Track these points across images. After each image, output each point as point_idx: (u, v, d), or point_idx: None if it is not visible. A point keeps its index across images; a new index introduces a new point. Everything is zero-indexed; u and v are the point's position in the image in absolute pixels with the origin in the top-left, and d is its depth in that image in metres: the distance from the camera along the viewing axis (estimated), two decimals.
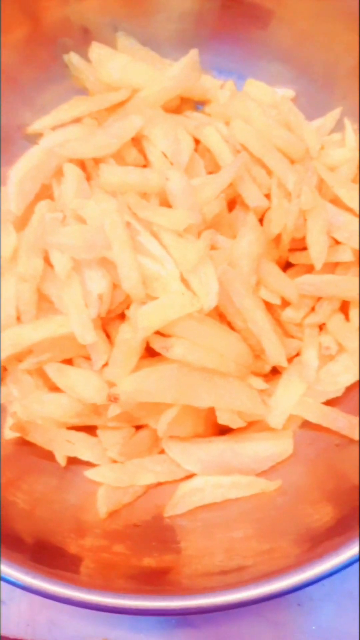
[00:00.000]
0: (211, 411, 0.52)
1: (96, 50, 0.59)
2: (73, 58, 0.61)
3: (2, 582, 0.41)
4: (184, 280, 0.49)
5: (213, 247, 0.51)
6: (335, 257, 0.53)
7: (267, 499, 0.51)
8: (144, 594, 0.41)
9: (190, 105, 0.63)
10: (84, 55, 0.61)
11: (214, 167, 0.58)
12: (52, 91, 0.63)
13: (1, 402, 0.55)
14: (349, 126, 0.60)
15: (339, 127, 0.62)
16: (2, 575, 0.41)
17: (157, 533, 0.49)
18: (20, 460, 0.53)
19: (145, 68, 0.59)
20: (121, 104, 0.59)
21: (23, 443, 0.53)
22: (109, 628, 0.54)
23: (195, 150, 0.58)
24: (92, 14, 0.61)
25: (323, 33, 0.59)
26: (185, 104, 0.63)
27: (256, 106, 0.57)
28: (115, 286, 0.51)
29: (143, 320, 0.47)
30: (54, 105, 0.62)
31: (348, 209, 0.54)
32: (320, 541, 0.43)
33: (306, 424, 0.54)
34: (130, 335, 0.48)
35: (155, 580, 0.44)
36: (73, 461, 0.53)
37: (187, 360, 0.49)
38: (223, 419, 0.50)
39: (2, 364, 0.53)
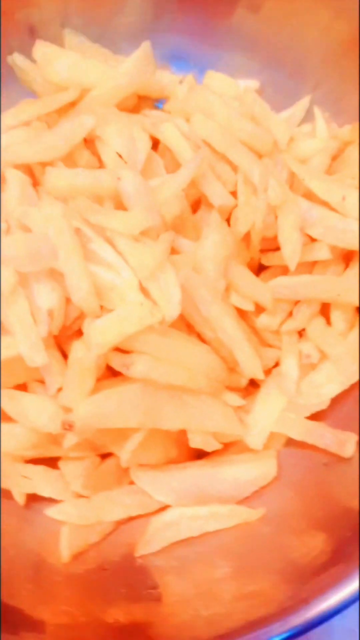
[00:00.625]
0: (184, 433, 0.46)
1: (41, 48, 0.55)
2: (17, 59, 0.56)
3: None
4: (144, 290, 0.44)
5: (174, 251, 0.47)
6: (312, 256, 0.48)
7: (249, 530, 0.45)
8: None
9: (149, 104, 0.59)
10: (31, 57, 0.57)
11: (175, 167, 0.53)
12: (2, 96, 0.59)
13: None
14: (319, 115, 0.55)
15: (309, 117, 0.57)
16: None
17: (128, 576, 0.43)
18: None
19: (95, 65, 0.54)
20: (72, 104, 0.55)
21: None
22: None
23: (155, 150, 0.53)
24: (37, 9, 0.56)
25: (295, 19, 0.55)
26: (143, 102, 0.58)
27: (217, 98, 0.52)
28: (68, 300, 0.46)
29: (97, 336, 0.42)
30: (2, 110, 0.58)
31: (322, 203, 0.49)
32: (309, 578, 0.37)
33: (290, 442, 0.49)
34: (83, 354, 0.43)
35: (132, 636, 0.38)
36: (33, 499, 0.48)
37: (151, 378, 0.43)
38: (195, 442, 0.45)
39: None
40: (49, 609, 0.41)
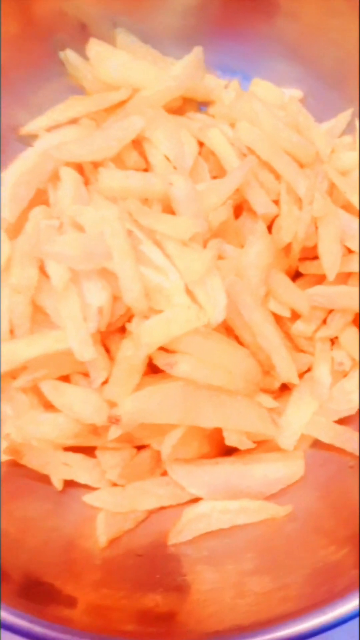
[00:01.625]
0: (217, 430, 0.48)
1: (94, 47, 0.56)
2: (70, 55, 0.57)
3: None
4: (189, 293, 0.46)
5: (220, 257, 0.48)
6: (348, 267, 0.50)
7: (276, 526, 0.48)
8: (149, 637, 0.38)
9: (193, 106, 0.60)
10: (82, 53, 0.58)
11: (218, 172, 0.55)
12: (47, 90, 0.60)
13: None
14: None
15: (349, 129, 0.59)
16: None
17: (161, 564, 0.46)
18: (12, 484, 0.50)
19: (146, 66, 0.56)
20: (120, 104, 0.56)
21: (16, 464, 0.50)
22: None
23: (199, 153, 0.55)
24: (90, 8, 0.57)
25: (333, 29, 0.56)
26: (187, 104, 0.60)
27: (263, 107, 0.54)
28: (115, 298, 0.47)
29: (146, 336, 0.44)
30: (50, 105, 0.59)
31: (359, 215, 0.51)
32: (336, 577, 0.40)
33: (317, 444, 0.51)
34: (132, 352, 0.45)
35: (161, 622, 0.41)
36: (70, 484, 0.50)
37: (193, 378, 0.46)
38: (231, 440, 0.47)
39: None
40: (84, 588, 0.43)
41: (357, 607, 0.37)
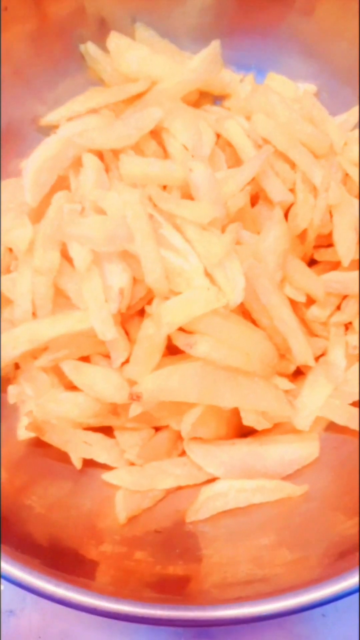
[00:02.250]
0: (233, 412, 0.50)
1: (115, 40, 0.58)
2: (90, 48, 0.59)
3: (12, 590, 0.39)
4: (208, 275, 0.48)
5: (237, 242, 0.50)
6: None
7: (292, 505, 0.49)
8: (164, 603, 0.38)
9: (209, 100, 0.62)
10: (101, 46, 0.59)
11: (234, 162, 0.56)
12: (66, 84, 0.61)
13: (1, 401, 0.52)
14: None
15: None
16: (14, 579, 0.38)
17: (180, 540, 0.47)
18: (33, 463, 0.51)
19: (164, 60, 0.57)
20: (139, 96, 0.58)
21: (36, 445, 0.51)
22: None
23: (216, 144, 0.56)
24: (109, 4, 0.59)
25: (348, 28, 0.58)
26: (203, 98, 0.61)
27: (279, 100, 0.55)
28: (135, 281, 0.49)
29: (167, 316, 0.45)
30: (68, 98, 0.60)
31: None
32: (350, 551, 0.41)
33: (331, 427, 0.52)
34: (153, 331, 0.46)
35: (176, 589, 0.42)
36: (88, 464, 0.51)
37: (212, 358, 0.47)
38: (248, 420, 0.48)
39: (16, 360, 0.50)
40: (106, 559, 0.44)
41: None
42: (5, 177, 0.58)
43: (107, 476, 0.49)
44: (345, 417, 0.50)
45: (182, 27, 0.62)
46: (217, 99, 0.63)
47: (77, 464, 0.50)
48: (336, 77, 0.61)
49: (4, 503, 0.46)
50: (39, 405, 0.48)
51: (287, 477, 0.50)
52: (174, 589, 0.41)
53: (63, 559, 0.41)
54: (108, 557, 0.44)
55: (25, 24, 0.58)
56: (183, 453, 0.51)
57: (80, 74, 0.62)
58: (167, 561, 0.44)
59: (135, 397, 0.45)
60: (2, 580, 0.46)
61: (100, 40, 0.59)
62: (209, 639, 0.51)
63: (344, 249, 0.50)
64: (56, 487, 0.49)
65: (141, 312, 0.51)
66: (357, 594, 0.38)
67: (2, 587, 0.52)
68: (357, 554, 0.40)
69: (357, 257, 0.53)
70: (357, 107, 0.60)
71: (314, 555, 0.42)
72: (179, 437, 0.51)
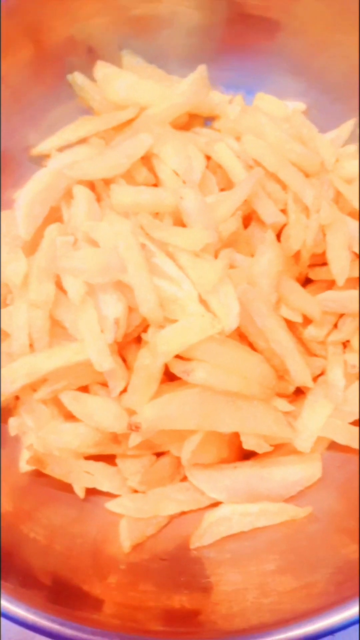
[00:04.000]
0: (234, 435, 0.50)
1: (102, 69, 0.58)
2: (78, 78, 0.60)
3: (17, 627, 0.39)
4: (203, 302, 0.48)
5: (231, 266, 0.50)
6: (357, 272, 0.52)
7: (297, 527, 0.48)
8: (170, 637, 0.39)
9: (199, 122, 0.62)
10: (89, 75, 0.60)
11: (226, 184, 0.56)
12: (57, 112, 0.62)
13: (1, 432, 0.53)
14: None
15: (352, 138, 0.60)
16: (18, 618, 0.38)
17: (185, 567, 0.47)
18: (36, 493, 0.51)
19: (152, 85, 0.58)
20: (128, 122, 0.58)
21: (39, 474, 0.51)
22: None
23: (206, 167, 0.56)
24: (97, 32, 0.60)
25: (334, 43, 0.58)
26: (193, 120, 0.62)
27: (268, 120, 0.55)
28: (130, 309, 0.49)
29: (162, 345, 0.45)
30: (60, 125, 0.61)
31: None
32: (355, 577, 0.41)
33: (333, 446, 0.52)
34: (149, 361, 0.46)
35: (182, 621, 0.42)
36: (92, 492, 0.51)
37: (209, 384, 0.47)
38: (249, 444, 0.48)
39: (15, 393, 0.51)
40: (111, 591, 0.44)
41: None
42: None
43: (110, 505, 0.49)
44: (346, 436, 0.50)
45: (170, 49, 0.63)
46: (207, 120, 0.63)
47: (80, 493, 0.51)
48: (325, 93, 0.61)
49: (6, 536, 0.46)
50: (40, 438, 0.49)
51: (291, 499, 0.50)
52: (179, 621, 0.41)
53: (67, 594, 0.42)
54: (113, 589, 0.44)
55: (19, 52, 0.59)
56: (185, 478, 0.51)
57: (72, 101, 0.62)
58: (172, 591, 0.44)
59: (135, 427, 0.45)
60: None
61: (89, 68, 0.60)
62: None
63: (338, 268, 0.50)
64: (60, 516, 0.50)
65: (138, 339, 0.51)
66: None
67: (2, 622, 0.52)
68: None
69: (354, 275, 0.53)
70: (349, 122, 0.60)
71: (319, 582, 0.42)
72: (180, 462, 0.51)
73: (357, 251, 0.52)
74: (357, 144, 0.59)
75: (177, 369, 0.47)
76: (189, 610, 0.42)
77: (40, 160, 0.60)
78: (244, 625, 0.39)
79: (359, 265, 0.51)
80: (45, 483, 0.51)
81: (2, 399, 0.50)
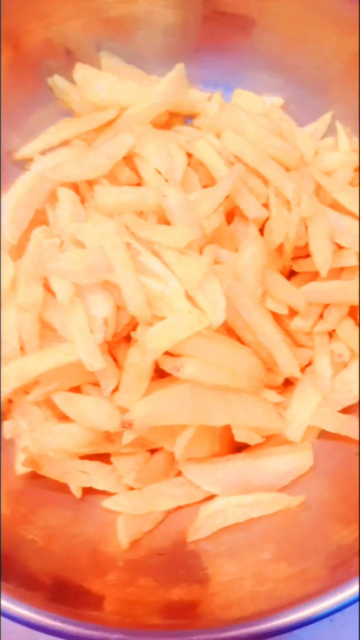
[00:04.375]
0: (226, 429, 0.50)
1: (81, 71, 0.58)
2: (57, 80, 0.60)
3: (23, 628, 0.39)
4: (190, 298, 0.48)
5: (216, 262, 0.50)
6: (340, 263, 0.53)
7: (291, 516, 0.49)
8: (171, 629, 0.39)
9: (179, 120, 0.63)
10: (69, 77, 0.60)
11: (208, 181, 0.57)
12: (38, 115, 0.62)
13: (1, 435, 0.53)
14: (341, 130, 0.59)
15: (330, 131, 0.61)
16: (20, 618, 0.39)
17: (182, 560, 0.47)
18: (32, 495, 0.52)
19: (131, 86, 0.58)
20: (109, 123, 0.59)
21: (34, 477, 0.51)
22: None
23: (188, 164, 0.57)
24: (74, 34, 0.60)
25: (309, 38, 0.59)
26: (174, 118, 0.62)
27: (247, 116, 0.56)
28: (119, 308, 0.50)
29: (152, 342, 0.46)
30: (42, 129, 0.61)
31: (349, 213, 0.53)
32: (351, 558, 0.42)
33: (323, 435, 0.53)
34: (139, 359, 0.47)
35: (181, 613, 0.42)
36: (88, 491, 0.52)
37: (199, 379, 0.47)
38: (240, 437, 0.49)
39: (8, 397, 0.51)
40: (110, 588, 0.45)
41: None
42: None
43: (107, 503, 0.50)
44: (335, 424, 0.51)
45: (147, 49, 0.63)
46: (187, 118, 0.63)
47: (77, 493, 0.51)
48: (302, 88, 0.62)
49: (5, 539, 0.46)
50: (34, 440, 0.49)
51: (284, 489, 0.51)
52: (179, 613, 0.42)
53: (67, 593, 0.42)
54: (112, 586, 0.44)
55: None
56: (180, 473, 0.52)
57: (52, 104, 0.63)
58: (170, 584, 0.44)
59: (127, 425, 0.46)
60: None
61: (68, 70, 0.60)
62: None
63: (320, 260, 0.51)
64: (57, 518, 0.50)
65: (127, 338, 0.52)
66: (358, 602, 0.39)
67: (5, 625, 0.53)
68: (357, 561, 0.41)
69: (339, 266, 0.53)
70: (326, 115, 0.61)
71: (313, 568, 0.43)
72: (174, 457, 0.51)
73: (340, 242, 0.52)
74: (335, 136, 0.60)
75: (167, 365, 0.48)
76: (188, 602, 0.43)
77: (23, 164, 0.60)
78: (242, 613, 0.39)
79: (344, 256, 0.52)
80: (41, 485, 0.51)
81: None
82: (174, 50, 0.63)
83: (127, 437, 0.48)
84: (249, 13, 0.60)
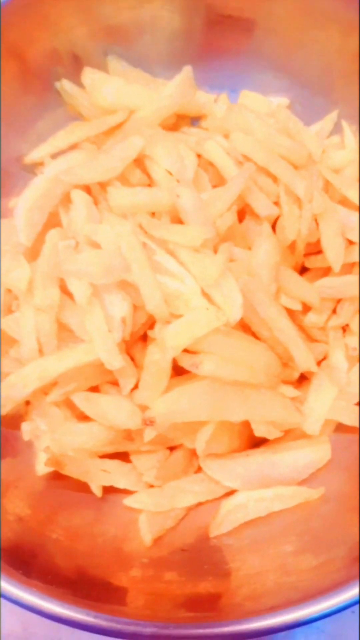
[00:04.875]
0: (244, 424, 0.51)
1: (89, 75, 0.59)
2: (65, 85, 0.61)
3: (45, 625, 0.39)
4: (206, 295, 0.49)
5: (230, 260, 0.51)
6: (351, 258, 0.53)
7: (311, 509, 0.50)
8: (199, 621, 0.40)
9: (186, 122, 0.63)
10: (76, 82, 0.61)
11: (218, 181, 0.58)
12: (46, 120, 0.63)
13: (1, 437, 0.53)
14: (347, 128, 0.60)
15: (335, 129, 0.62)
16: (51, 613, 0.39)
17: (207, 556, 0.48)
18: (53, 496, 0.52)
19: (140, 89, 0.59)
20: (118, 126, 0.59)
21: (54, 478, 0.52)
22: None
23: (198, 165, 0.58)
24: (81, 41, 0.61)
25: (312, 39, 0.60)
26: (181, 120, 0.63)
27: (255, 116, 0.57)
28: (135, 308, 0.50)
29: (171, 340, 0.46)
30: (50, 134, 0.62)
31: (358, 209, 0.54)
32: None
33: (340, 428, 0.54)
34: (159, 356, 0.47)
35: (210, 606, 0.43)
36: (108, 490, 0.52)
37: (218, 375, 0.48)
38: (260, 431, 0.50)
39: (27, 398, 0.51)
40: (136, 583, 0.45)
41: None
42: None
43: (128, 501, 0.50)
44: (352, 417, 0.51)
45: (153, 54, 0.64)
46: (194, 120, 0.64)
47: (98, 492, 0.51)
48: (307, 88, 0.63)
49: (29, 538, 0.47)
50: (55, 440, 0.50)
51: (303, 482, 0.51)
52: (207, 606, 0.42)
53: (94, 589, 0.42)
54: (138, 582, 0.45)
55: (4, 67, 0.59)
56: (199, 469, 0.52)
57: (60, 109, 0.63)
58: (197, 579, 0.45)
59: (149, 422, 0.46)
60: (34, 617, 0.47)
61: (75, 75, 0.61)
62: None
63: (333, 255, 0.52)
64: (79, 517, 0.50)
65: (144, 337, 0.53)
66: None
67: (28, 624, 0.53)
68: None
69: (350, 261, 0.54)
70: (332, 114, 0.62)
71: (338, 557, 0.43)
72: (193, 454, 0.52)
73: (351, 238, 0.53)
74: (341, 135, 0.61)
75: (185, 362, 0.48)
76: (215, 595, 0.43)
77: (32, 168, 0.61)
78: (271, 603, 0.40)
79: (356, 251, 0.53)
80: (62, 486, 0.52)
81: (14, 403, 0.50)
82: (179, 54, 0.64)
83: (149, 434, 0.48)
84: (250, 15, 0.61)
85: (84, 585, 0.44)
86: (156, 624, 0.38)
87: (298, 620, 0.38)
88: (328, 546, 0.46)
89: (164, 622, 0.39)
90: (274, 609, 0.39)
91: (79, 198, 0.52)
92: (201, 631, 0.38)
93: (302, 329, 0.54)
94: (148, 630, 0.37)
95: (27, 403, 0.54)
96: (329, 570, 0.43)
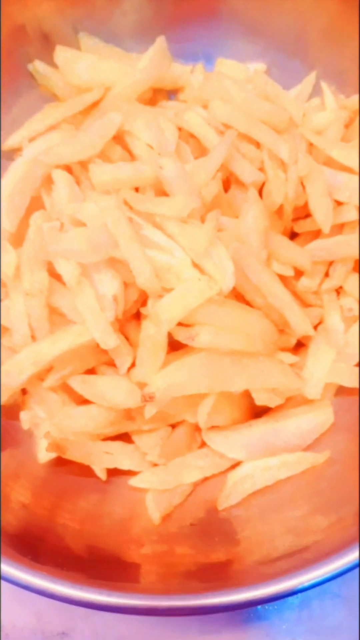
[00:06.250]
0: (244, 395, 0.50)
1: (61, 54, 0.58)
2: (38, 66, 0.59)
3: (59, 610, 0.39)
4: (196, 266, 0.48)
5: (218, 230, 0.50)
6: (340, 218, 0.53)
7: (317, 473, 0.49)
8: (213, 590, 0.39)
9: (163, 96, 0.62)
10: (49, 62, 0.60)
11: (200, 153, 0.57)
12: (20, 104, 0.61)
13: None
14: (327, 89, 0.59)
15: (315, 92, 0.61)
16: (60, 595, 0.38)
17: (216, 528, 0.47)
18: (57, 482, 0.51)
19: (114, 65, 0.58)
20: (95, 104, 0.58)
21: (57, 464, 0.51)
22: (178, 637, 0.52)
23: (178, 138, 0.57)
24: (48, 18, 0.59)
25: (286, 1, 0.58)
26: (158, 94, 0.62)
27: (233, 83, 0.56)
28: (126, 285, 0.49)
29: (165, 313, 0.46)
30: (25, 118, 0.60)
31: (344, 169, 0.53)
32: None
33: (340, 391, 0.53)
34: (154, 331, 0.46)
35: (223, 574, 0.42)
36: (112, 472, 0.51)
37: (214, 346, 0.47)
38: (261, 400, 0.49)
39: (23, 386, 0.51)
40: (148, 559, 0.45)
41: None
42: None
43: (133, 481, 0.50)
44: (352, 379, 0.51)
45: (124, 27, 0.63)
46: (171, 94, 0.63)
47: (102, 475, 0.51)
48: (283, 51, 0.62)
49: (37, 524, 0.46)
50: (55, 425, 0.49)
51: (308, 447, 0.51)
52: (220, 574, 0.42)
53: (105, 568, 0.42)
54: (150, 558, 0.44)
55: None
56: (203, 444, 0.52)
57: (34, 91, 0.62)
58: (208, 550, 0.44)
59: (149, 398, 0.46)
60: (47, 603, 0.47)
61: (47, 55, 0.60)
62: (259, 619, 0.52)
63: (321, 216, 0.51)
64: (85, 501, 0.50)
65: (137, 315, 0.52)
66: None
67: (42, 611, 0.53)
68: None
69: (340, 222, 0.53)
70: (310, 77, 0.61)
71: (349, 515, 0.43)
72: (196, 429, 0.51)
73: (338, 198, 0.53)
74: (321, 96, 0.60)
75: (181, 335, 0.47)
76: (226, 562, 0.43)
77: (11, 155, 0.60)
78: (286, 566, 0.39)
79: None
80: (65, 472, 0.51)
81: (10, 391, 0.49)
82: (149, 26, 0.62)
83: (149, 410, 0.47)
84: None
85: (95, 565, 0.43)
86: (171, 597, 0.37)
87: (314, 579, 0.38)
88: (337, 505, 0.45)
89: (180, 593, 0.39)
90: (289, 571, 0.39)
91: (61, 178, 0.51)
92: (218, 599, 0.37)
93: (295, 294, 0.54)
94: (164, 603, 0.37)
95: (24, 392, 0.53)
96: (341, 527, 0.43)
